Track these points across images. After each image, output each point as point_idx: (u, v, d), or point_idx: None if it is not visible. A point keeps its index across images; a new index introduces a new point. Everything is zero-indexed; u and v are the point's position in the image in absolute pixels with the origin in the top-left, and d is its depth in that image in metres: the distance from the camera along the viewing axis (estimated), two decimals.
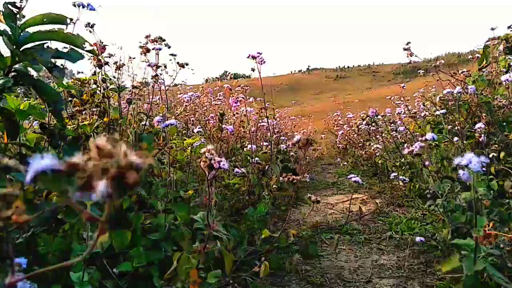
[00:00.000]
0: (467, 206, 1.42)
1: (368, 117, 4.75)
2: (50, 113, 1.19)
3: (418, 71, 3.95)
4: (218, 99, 3.19)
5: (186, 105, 3.53)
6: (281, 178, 0.84)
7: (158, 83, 1.56)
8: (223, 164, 0.71)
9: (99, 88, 1.55)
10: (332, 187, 3.99)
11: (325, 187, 4.03)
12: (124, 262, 1.28)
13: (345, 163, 4.92)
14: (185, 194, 1.44)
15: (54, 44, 1.21)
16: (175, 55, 1.54)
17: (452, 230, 1.32)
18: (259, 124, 2.13)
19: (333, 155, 6.82)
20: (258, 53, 1.80)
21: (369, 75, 58.13)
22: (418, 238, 1.44)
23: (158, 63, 1.51)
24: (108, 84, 1.70)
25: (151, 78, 1.56)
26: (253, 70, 1.90)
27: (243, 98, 2.99)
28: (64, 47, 1.23)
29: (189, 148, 1.43)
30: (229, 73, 3.07)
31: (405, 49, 2.22)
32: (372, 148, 1.86)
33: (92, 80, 1.75)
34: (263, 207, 1.62)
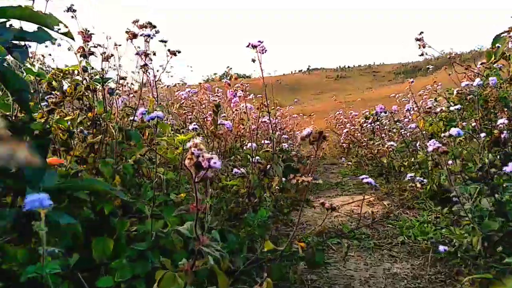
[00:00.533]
0: (495, 211, 1.25)
1: (372, 115, 4.58)
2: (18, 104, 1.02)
3: (427, 67, 3.80)
4: (216, 95, 3.03)
5: (183, 102, 3.38)
6: (291, 180, 0.67)
7: (147, 73, 1.40)
8: (214, 163, 0.54)
9: (81, 79, 1.38)
10: (336, 187, 3.83)
11: (328, 187, 3.86)
12: (105, 276, 1.12)
13: (349, 162, 4.75)
14: (176, 197, 1.28)
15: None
16: (165, 42, 1.38)
17: (482, 238, 1.15)
18: (259, 121, 1.97)
19: (336, 155, 6.65)
20: (259, 41, 1.63)
21: (370, 75, 57.85)
22: (441, 248, 1.28)
23: (147, 50, 1.35)
24: (93, 75, 1.54)
25: (140, 68, 1.39)
26: (253, 60, 1.73)
27: (242, 93, 2.83)
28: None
29: (182, 146, 1.26)
30: (230, 68, 2.90)
31: (417, 40, 2.05)
32: (386, 145, 1.70)
33: (76, 71, 1.59)
34: (265, 211, 1.46)
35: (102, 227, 1.23)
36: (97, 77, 1.55)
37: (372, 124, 3.96)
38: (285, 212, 2.21)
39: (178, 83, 4.03)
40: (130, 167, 1.19)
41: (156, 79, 1.40)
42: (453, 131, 1.18)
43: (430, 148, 1.09)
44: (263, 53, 1.60)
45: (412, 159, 2.70)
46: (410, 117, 4.16)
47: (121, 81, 1.49)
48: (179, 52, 1.40)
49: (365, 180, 1.44)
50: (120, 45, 1.49)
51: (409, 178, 1.47)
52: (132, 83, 2.37)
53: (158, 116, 0.99)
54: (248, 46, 1.65)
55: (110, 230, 1.20)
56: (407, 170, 3.00)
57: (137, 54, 1.38)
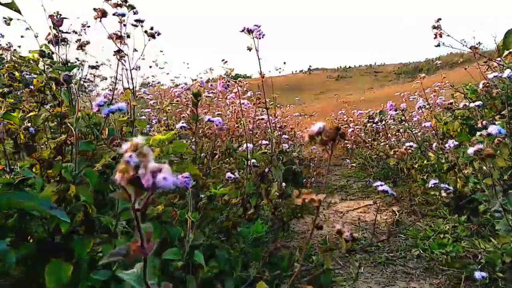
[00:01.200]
0: None
1: (377, 114, 4.35)
2: None
3: (436, 62, 3.60)
4: (212, 91, 2.80)
5: (176, 99, 3.16)
6: (295, 199, 0.45)
7: (123, 61, 1.17)
8: (164, 179, 0.32)
9: (43, 69, 1.16)
10: (339, 191, 3.59)
11: (331, 191, 3.62)
12: None
13: (353, 164, 4.52)
14: (153, 209, 1.05)
15: None
16: (142, 21, 1.15)
17: None
18: (256, 119, 1.74)
19: (338, 155, 6.42)
20: (256, 25, 1.41)
21: (371, 75, 57.57)
22: (477, 274, 1.05)
23: (119, 32, 1.12)
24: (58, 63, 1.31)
25: (113, 54, 1.16)
26: (249, 49, 1.50)
27: (240, 89, 2.62)
28: None
29: (160, 147, 1.03)
30: (225, 61, 2.69)
31: (434, 28, 1.82)
32: (404, 147, 1.48)
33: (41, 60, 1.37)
34: (260, 225, 1.23)
35: (59, 248, 1.01)
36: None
37: (379, 124, 3.72)
38: (285, 220, 1.98)
39: (172, 80, 3.81)
40: (93, 173, 0.96)
41: (132, 68, 1.17)
42: (493, 129, 0.96)
43: (470, 151, 0.86)
44: (260, 38, 1.38)
45: (425, 161, 2.47)
46: (418, 116, 3.94)
47: (93, 71, 1.26)
48: (158, 34, 1.18)
49: (380, 188, 1.21)
50: (89, 26, 1.27)
51: (433, 185, 1.25)
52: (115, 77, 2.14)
53: (119, 108, 0.76)
54: (243, 31, 1.42)
55: (70, 252, 0.98)
56: (417, 173, 2.77)
57: (109, 37, 1.15)
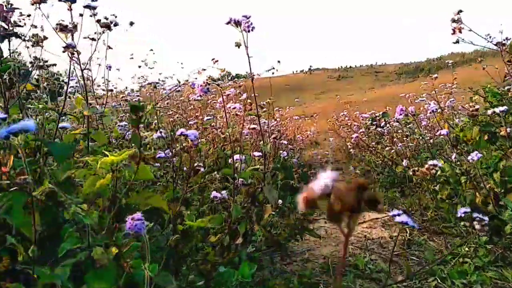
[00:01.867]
0: None
1: (382, 117, 4.10)
2: None
3: (447, 62, 3.37)
4: (200, 95, 2.55)
5: (166, 102, 2.93)
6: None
7: (74, 59, 0.92)
8: None
9: None
10: None
11: None
12: None
13: (357, 171, 4.28)
14: (104, 252, 0.80)
15: None
16: (93, 8, 0.90)
17: None
18: (243, 128, 1.50)
19: (340, 159, 6.16)
20: (245, 16, 1.16)
21: (372, 75, 57.25)
22: None
23: (63, 22, 0.87)
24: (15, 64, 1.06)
25: (63, 51, 0.92)
26: (238, 45, 1.26)
27: (233, 91, 2.41)
28: None
29: (114, 171, 0.79)
30: (216, 60, 2.45)
31: (454, 21, 1.57)
32: (426, 166, 1.25)
33: None
34: (248, 267, 0.98)
35: None
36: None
37: (384, 128, 3.47)
38: (282, 243, 1.73)
39: (163, 80, 3.56)
40: (18, 207, 0.71)
41: (85, 67, 0.93)
42: None
43: None
44: (249, 31, 1.13)
45: (439, 172, 2.22)
46: (426, 119, 3.68)
47: (42, 72, 1.01)
48: (115, 24, 0.93)
49: (398, 219, 0.97)
50: (27, 16, 1.02)
51: (463, 214, 1.00)
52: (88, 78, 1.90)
53: (24, 128, 0.52)
54: (229, 22, 1.17)
55: None
56: (428, 183, 2.52)
57: (57, 29, 0.90)
